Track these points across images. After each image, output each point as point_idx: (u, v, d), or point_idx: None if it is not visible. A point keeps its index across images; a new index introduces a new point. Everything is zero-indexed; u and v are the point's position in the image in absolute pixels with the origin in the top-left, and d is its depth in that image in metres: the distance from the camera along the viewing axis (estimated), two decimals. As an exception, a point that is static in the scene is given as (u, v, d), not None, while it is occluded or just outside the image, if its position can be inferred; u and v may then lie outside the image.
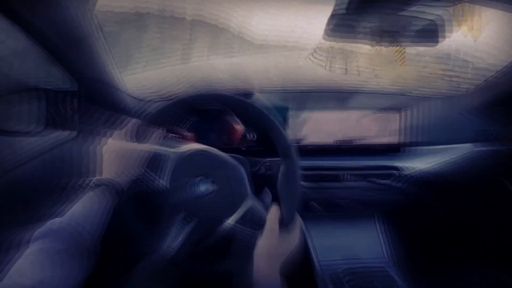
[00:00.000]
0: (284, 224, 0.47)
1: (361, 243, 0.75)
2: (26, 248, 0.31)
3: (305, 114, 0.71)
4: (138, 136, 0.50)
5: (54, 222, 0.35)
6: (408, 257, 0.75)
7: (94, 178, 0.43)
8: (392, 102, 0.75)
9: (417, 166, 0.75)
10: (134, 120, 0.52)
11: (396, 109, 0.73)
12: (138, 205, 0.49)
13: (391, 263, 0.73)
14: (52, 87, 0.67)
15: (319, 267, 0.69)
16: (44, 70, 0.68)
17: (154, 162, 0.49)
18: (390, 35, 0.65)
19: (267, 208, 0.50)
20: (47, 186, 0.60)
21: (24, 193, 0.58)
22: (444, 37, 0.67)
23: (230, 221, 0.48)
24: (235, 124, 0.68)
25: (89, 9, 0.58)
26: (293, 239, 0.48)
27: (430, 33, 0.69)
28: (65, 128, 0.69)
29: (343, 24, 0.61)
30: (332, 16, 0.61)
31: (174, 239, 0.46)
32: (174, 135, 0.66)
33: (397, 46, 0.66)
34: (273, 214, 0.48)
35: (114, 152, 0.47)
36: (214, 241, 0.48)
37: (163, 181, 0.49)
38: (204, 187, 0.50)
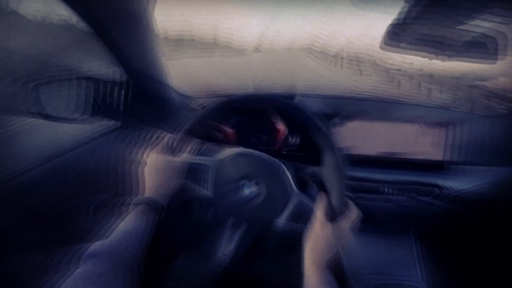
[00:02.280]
0: (336, 213, 0.45)
1: (395, 260, 0.74)
2: (75, 269, 0.32)
3: (349, 122, 0.70)
4: (175, 149, 0.50)
5: (97, 245, 0.36)
6: (443, 278, 0.72)
7: (134, 198, 0.44)
8: (440, 116, 0.73)
9: (460, 186, 0.72)
10: (169, 135, 0.51)
11: (444, 124, 0.71)
12: (186, 217, 0.50)
13: (424, 283, 0.71)
14: (102, 77, 0.68)
15: (351, 279, 0.67)
16: (96, 59, 0.69)
17: (194, 173, 0.49)
18: (449, 48, 0.62)
19: (314, 201, 0.48)
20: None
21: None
22: (505, 54, 0.64)
23: (280, 219, 0.47)
24: (279, 126, 0.67)
25: (149, 7, 0.59)
26: (343, 232, 0.44)
27: (490, 49, 0.66)
28: (110, 118, 0.70)
29: (402, 34, 0.60)
30: (391, 25, 0.60)
31: (227, 246, 0.46)
32: (213, 140, 0.66)
33: (455, 60, 0.63)
34: (320, 206, 0.46)
35: (153, 170, 0.47)
36: (266, 242, 0.47)
37: (206, 191, 0.49)
38: (248, 190, 0.49)
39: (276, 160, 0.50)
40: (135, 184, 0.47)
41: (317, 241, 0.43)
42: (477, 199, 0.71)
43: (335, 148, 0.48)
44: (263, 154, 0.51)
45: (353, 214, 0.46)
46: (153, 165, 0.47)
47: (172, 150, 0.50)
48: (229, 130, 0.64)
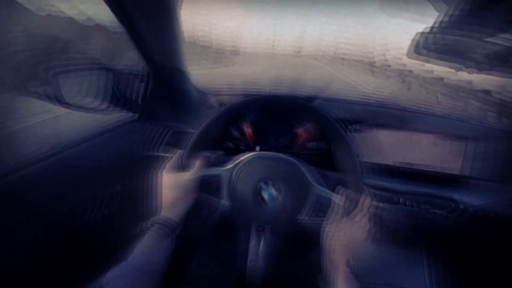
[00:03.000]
0: (353, 204, 0.45)
1: (405, 271, 0.72)
2: None
3: (367, 130, 0.69)
4: (185, 164, 0.50)
5: (117, 269, 0.36)
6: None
7: (150, 219, 0.44)
8: (459, 129, 0.71)
9: (476, 202, 0.71)
10: (179, 151, 0.51)
11: (463, 137, 0.70)
12: (208, 230, 0.49)
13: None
14: (123, 68, 0.68)
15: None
16: (118, 51, 0.69)
17: (208, 185, 0.49)
18: (476, 61, 0.61)
19: (333, 191, 0.48)
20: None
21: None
22: (534, 71, 0.63)
23: (302, 216, 0.47)
24: (298, 130, 0.67)
25: (177, 4, 0.58)
26: (362, 225, 0.44)
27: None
28: (128, 109, 0.70)
29: (430, 44, 0.59)
30: (420, 34, 0.59)
31: (255, 252, 0.46)
32: (230, 139, 0.64)
33: (481, 73, 0.62)
34: (339, 198, 0.46)
35: (165, 189, 0.47)
36: (291, 241, 0.47)
37: (224, 200, 0.48)
38: (266, 193, 0.49)
39: (291, 157, 0.50)
40: (150, 205, 0.48)
41: (337, 234, 0.43)
42: (493, 216, 0.70)
43: (349, 139, 0.48)
44: (273, 153, 0.50)
45: (367, 203, 0.45)
46: (165, 185, 0.47)
47: (182, 166, 0.50)
48: (247, 130, 0.64)
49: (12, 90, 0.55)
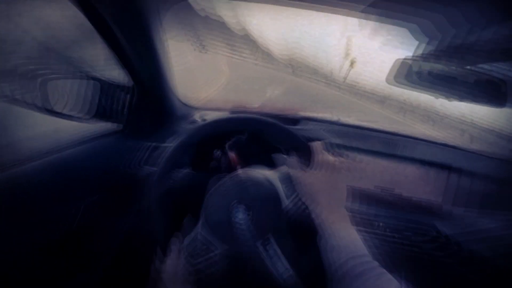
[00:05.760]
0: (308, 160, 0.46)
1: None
2: None
3: (350, 153, 0.69)
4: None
5: None
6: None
7: None
8: (442, 157, 0.71)
9: (458, 230, 0.69)
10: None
11: (446, 167, 0.69)
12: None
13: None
14: (109, 79, 0.69)
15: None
16: (104, 62, 0.70)
17: None
18: (457, 88, 0.62)
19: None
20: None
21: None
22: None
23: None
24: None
25: (160, 22, 0.60)
26: (328, 165, 0.45)
27: (499, 93, 0.65)
28: (113, 120, 0.71)
29: (410, 70, 0.59)
30: (401, 61, 0.60)
31: (279, 262, 0.45)
32: (209, 154, 0.64)
33: (462, 100, 0.62)
34: (292, 161, 0.48)
35: None
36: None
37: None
38: (239, 213, 0.48)
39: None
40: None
41: (312, 186, 0.44)
42: (475, 245, 0.68)
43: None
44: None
45: (317, 148, 0.47)
46: None
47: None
48: (228, 150, 0.64)
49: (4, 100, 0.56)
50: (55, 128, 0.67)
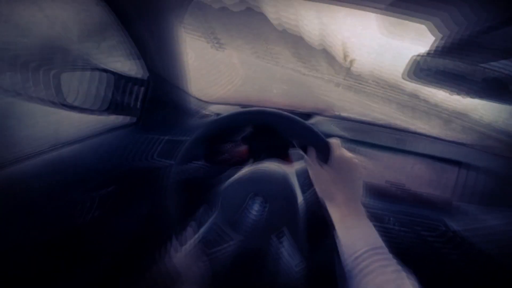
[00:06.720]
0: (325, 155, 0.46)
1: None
2: None
3: (361, 148, 0.69)
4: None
5: None
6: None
7: None
8: (453, 153, 0.71)
9: (466, 226, 0.70)
10: None
11: (456, 163, 0.70)
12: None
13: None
14: (123, 72, 0.70)
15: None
16: (120, 54, 0.70)
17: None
18: (471, 85, 0.62)
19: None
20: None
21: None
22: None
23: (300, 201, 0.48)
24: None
25: (180, 20, 0.60)
26: (346, 161, 0.45)
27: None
28: (126, 113, 0.71)
29: (425, 66, 0.59)
30: (416, 57, 0.59)
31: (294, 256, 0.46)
32: (222, 150, 0.65)
33: (475, 97, 0.62)
34: (310, 157, 0.48)
35: None
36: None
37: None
38: (256, 205, 0.49)
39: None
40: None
41: (329, 182, 0.44)
42: (482, 241, 0.69)
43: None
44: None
45: (335, 144, 0.47)
46: None
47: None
48: (241, 143, 0.64)
49: (14, 95, 0.56)
50: (69, 121, 0.68)
